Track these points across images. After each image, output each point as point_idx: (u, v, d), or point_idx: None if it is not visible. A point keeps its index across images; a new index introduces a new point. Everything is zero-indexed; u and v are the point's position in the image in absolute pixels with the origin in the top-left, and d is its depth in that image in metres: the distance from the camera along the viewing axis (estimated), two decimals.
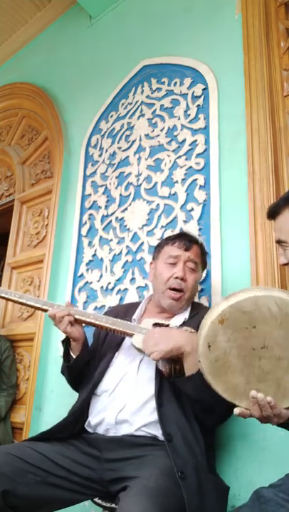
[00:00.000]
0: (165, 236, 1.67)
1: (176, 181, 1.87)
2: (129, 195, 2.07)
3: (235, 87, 1.78)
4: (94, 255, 2.13)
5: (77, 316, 1.28)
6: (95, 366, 1.33)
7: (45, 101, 2.81)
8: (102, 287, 2.02)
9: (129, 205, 2.05)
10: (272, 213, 1.06)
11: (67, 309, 1.29)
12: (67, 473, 1.13)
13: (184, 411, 1.14)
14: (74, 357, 1.32)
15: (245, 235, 1.55)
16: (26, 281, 2.54)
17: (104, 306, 1.96)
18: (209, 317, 0.88)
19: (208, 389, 0.89)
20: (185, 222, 1.77)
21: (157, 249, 1.45)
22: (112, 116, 2.34)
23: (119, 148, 2.23)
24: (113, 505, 1.16)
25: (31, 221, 2.69)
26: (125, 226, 2.03)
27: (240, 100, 1.73)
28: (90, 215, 2.24)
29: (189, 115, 1.93)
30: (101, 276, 2.05)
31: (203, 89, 1.91)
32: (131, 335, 1.22)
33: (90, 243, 2.18)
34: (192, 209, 1.76)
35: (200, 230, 1.71)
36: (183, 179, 1.85)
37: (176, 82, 2.05)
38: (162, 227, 1.86)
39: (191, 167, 1.84)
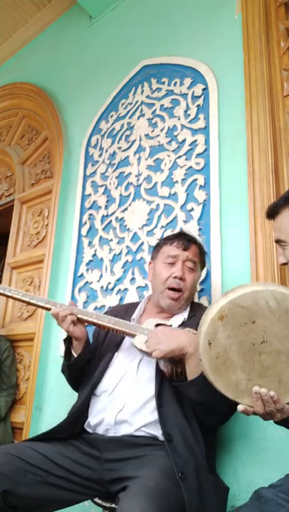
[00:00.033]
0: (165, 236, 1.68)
1: (176, 181, 1.87)
2: (129, 195, 2.07)
3: (235, 87, 1.78)
4: (94, 255, 2.13)
5: (79, 316, 1.28)
6: (95, 366, 1.33)
7: (45, 101, 2.81)
8: (102, 287, 2.02)
9: (129, 205, 2.05)
10: (272, 213, 1.06)
11: (70, 308, 1.29)
12: (67, 474, 1.13)
13: (184, 411, 1.14)
14: (75, 356, 1.32)
15: (245, 235, 1.55)
16: (26, 281, 2.54)
17: (104, 306, 1.96)
18: (209, 314, 0.88)
19: (210, 388, 0.89)
20: (185, 222, 1.77)
21: (156, 249, 1.45)
22: (112, 116, 2.34)
23: (119, 148, 2.22)
24: (113, 506, 1.16)
25: (31, 221, 2.69)
26: (125, 226, 2.03)
27: (240, 100, 1.73)
28: (90, 215, 2.24)
29: (189, 115, 1.93)
30: (101, 276, 2.05)
31: (203, 89, 1.91)
32: (133, 335, 1.22)
33: (90, 243, 2.18)
34: (192, 209, 1.76)
35: (200, 230, 1.71)
36: (183, 179, 1.85)
37: (176, 82, 2.05)
38: (162, 227, 1.86)
39: (191, 167, 1.84)
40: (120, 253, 2.00)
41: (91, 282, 2.08)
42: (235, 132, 1.73)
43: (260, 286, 0.86)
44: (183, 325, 1.30)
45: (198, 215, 1.73)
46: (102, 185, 2.24)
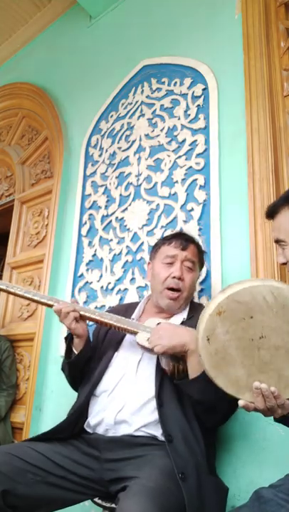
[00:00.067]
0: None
1: (176, 181, 1.87)
2: (129, 195, 2.07)
3: (235, 87, 1.78)
4: (94, 255, 2.13)
5: (82, 312, 1.28)
6: (95, 366, 1.33)
7: (45, 101, 2.81)
8: (102, 287, 2.02)
9: (129, 205, 2.05)
10: (271, 213, 1.06)
11: (73, 305, 1.28)
12: (67, 473, 1.13)
13: (184, 411, 1.14)
14: (76, 353, 1.32)
15: (245, 235, 1.55)
16: (26, 281, 2.54)
17: (104, 306, 1.96)
18: (207, 310, 0.88)
19: (211, 386, 0.89)
20: (185, 222, 1.77)
21: (154, 250, 1.45)
22: (112, 116, 2.34)
23: (119, 148, 2.22)
24: (113, 505, 1.16)
25: (31, 221, 2.69)
26: (125, 226, 2.03)
27: (240, 100, 1.73)
28: (90, 215, 2.24)
29: (189, 115, 1.93)
30: (101, 276, 2.05)
31: (203, 89, 1.91)
32: (135, 333, 1.22)
33: (90, 243, 2.18)
34: (192, 209, 1.76)
35: (200, 230, 1.71)
36: (183, 179, 1.85)
37: (176, 82, 2.05)
38: (162, 227, 1.86)
39: (191, 167, 1.84)
40: (120, 253, 2.00)
41: (91, 282, 2.08)
42: (235, 132, 1.73)
43: (258, 282, 0.87)
44: (182, 325, 1.29)
45: (198, 215, 1.73)
46: (102, 185, 2.24)
